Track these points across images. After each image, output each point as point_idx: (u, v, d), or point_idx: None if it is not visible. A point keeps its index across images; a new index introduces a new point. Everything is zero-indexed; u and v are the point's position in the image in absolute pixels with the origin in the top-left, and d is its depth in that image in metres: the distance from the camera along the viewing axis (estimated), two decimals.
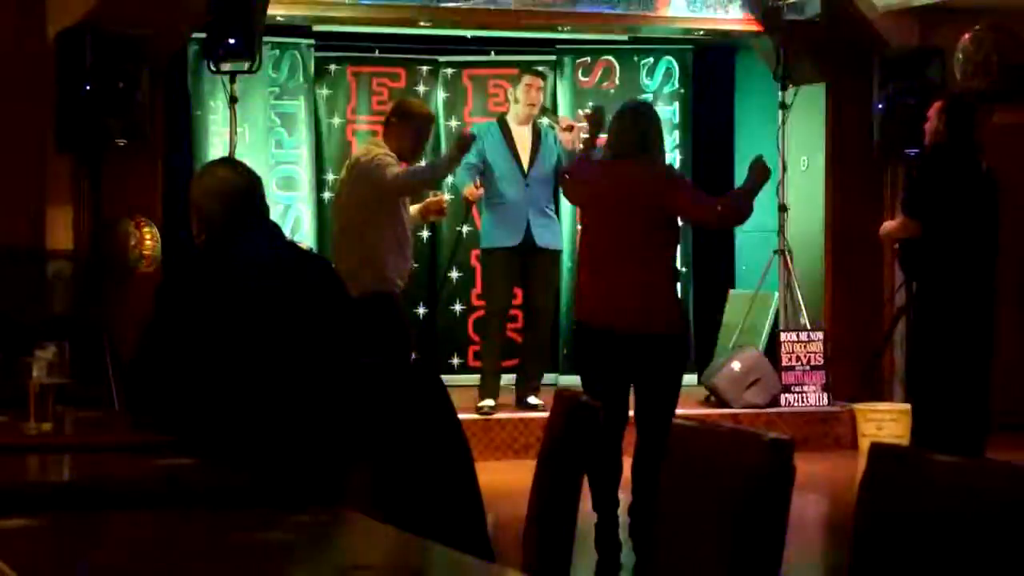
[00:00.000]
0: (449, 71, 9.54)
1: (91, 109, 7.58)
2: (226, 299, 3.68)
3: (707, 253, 9.72)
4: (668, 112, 9.57)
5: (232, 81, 8.22)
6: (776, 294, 9.08)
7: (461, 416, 3.83)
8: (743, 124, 10.01)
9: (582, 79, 9.64)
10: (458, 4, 8.85)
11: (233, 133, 8.33)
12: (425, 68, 9.49)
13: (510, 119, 8.47)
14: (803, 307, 8.89)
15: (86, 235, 7.84)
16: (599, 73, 9.64)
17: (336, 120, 9.38)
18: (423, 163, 6.83)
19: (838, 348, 8.84)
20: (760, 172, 5.83)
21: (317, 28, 9.21)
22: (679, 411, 5.75)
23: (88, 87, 7.58)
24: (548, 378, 8.80)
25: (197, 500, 3.03)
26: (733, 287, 9.80)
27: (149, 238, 7.82)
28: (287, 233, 8.42)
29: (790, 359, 8.73)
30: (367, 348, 3.99)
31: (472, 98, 9.54)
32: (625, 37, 9.63)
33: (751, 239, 9.58)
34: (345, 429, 3.63)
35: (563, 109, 9.47)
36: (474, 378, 8.54)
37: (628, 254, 5.70)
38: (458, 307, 9.47)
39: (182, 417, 3.63)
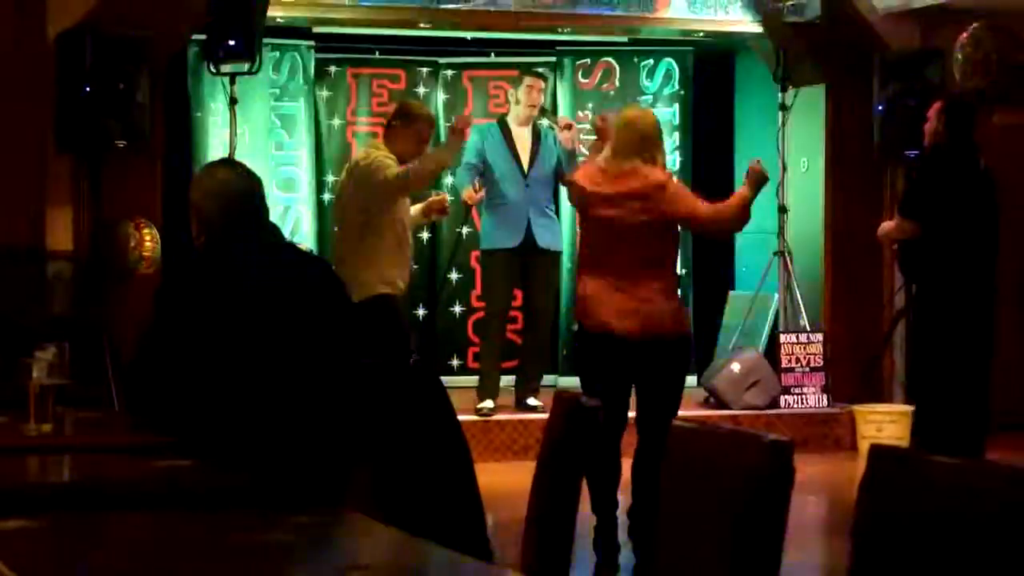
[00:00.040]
0: (449, 73, 9.54)
1: (91, 110, 7.58)
2: (225, 301, 3.68)
3: (707, 255, 9.72)
4: (668, 114, 9.57)
5: (232, 82, 8.22)
6: (776, 296, 9.08)
7: (460, 417, 3.82)
8: (743, 126, 10.01)
9: (582, 81, 9.64)
10: (458, 6, 8.85)
11: (233, 135, 8.33)
12: (425, 70, 9.49)
13: (510, 120, 8.47)
14: (803, 309, 8.89)
15: (86, 236, 7.84)
16: (599, 75, 9.64)
17: (336, 122, 9.38)
18: (415, 160, 6.80)
19: (838, 350, 8.85)
20: (757, 176, 5.84)
21: (317, 30, 9.21)
22: (679, 412, 5.76)
23: (88, 88, 7.58)
24: (547, 379, 8.80)
25: (197, 501, 3.03)
26: (733, 288, 9.80)
27: (149, 239, 7.82)
28: (287, 235, 8.45)
29: (790, 361, 8.73)
30: (367, 350, 3.99)
31: (472, 100, 9.54)
32: (625, 39, 9.63)
33: (751, 240, 9.57)
34: (345, 430, 3.63)
35: (563, 111, 9.47)
36: (474, 379, 8.54)
37: (629, 259, 5.71)
38: (458, 308, 9.47)
39: (181, 418, 3.63)
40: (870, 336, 8.81)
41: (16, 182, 7.70)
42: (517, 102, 8.44)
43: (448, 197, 7.54)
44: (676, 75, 9.69)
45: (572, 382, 7.24)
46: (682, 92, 9.69)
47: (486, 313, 8.67)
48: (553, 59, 9.63)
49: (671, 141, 9.48)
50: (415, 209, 7.22)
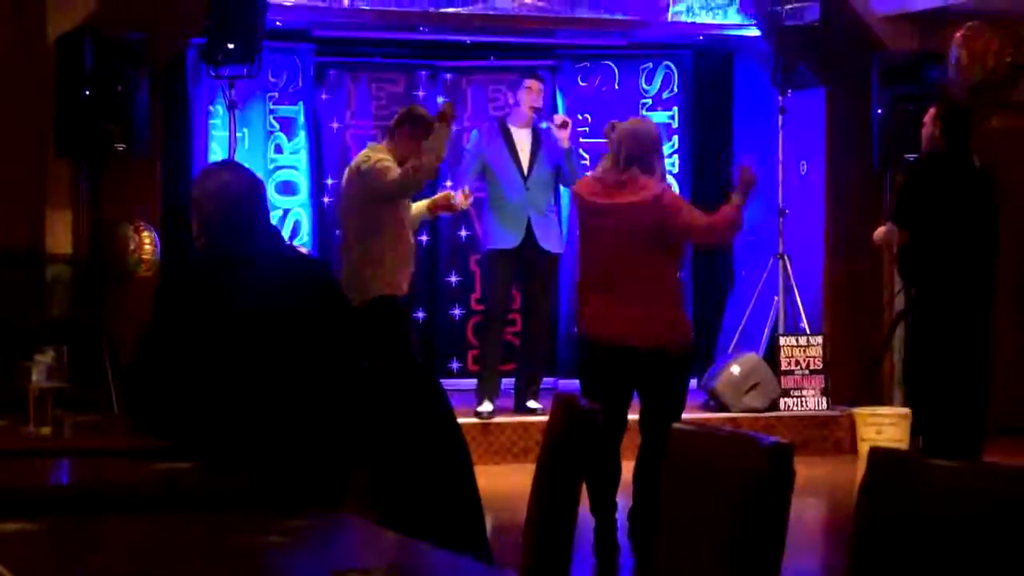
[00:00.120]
0: (448, 76, 9.54)
1: (90, 114, 7.58)
2: (224, 303, 3.68)
3: (706, 258, 9.72)
4: (667, 117, 9.58)
5: (231, 86, 8.22)
6: (775, 298, 9.08)
7: (460, 420, 3.83)
8: (742, 129, 10.01)
9: (581, 84, 9.65)
10: (458, 10, 8.85)
11: (232, 138, 8.34)
12: (424, 74, 9.49)
13: (510, 122, 8.48)
14: (802, 311, 8.89)
15: (85, 239, 7.84)
16: (598, 78, 9.64)
17: (335, 125, 9.38)
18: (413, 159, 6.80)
19: (837, 352, 8.84)
20: (747, 180, 5.83)
21: (316, 33, 9.21)
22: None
23: (88, 92, 7.58)
24: (547, 382, 8.79)
25: (196, 504, 3.03)
26: (732, 291, 9.80)
27: (148, 242, 7.82)
28: (286, 237, 8.46)
29: (789, 363, 8.72)
30: (368, 351, 3.99)
31: (471, 103, 9.54)
32: (624, 42, 9.63)
33: (750, 243, 9.57)
34: (344, 433, 3.63)
35: (562, 114, 9.46)
36: (473, 382, 8.54)
37: (629, 270, 5.71)
38: (457, 311, 9.47)
39: (180, 421, 3.62)
40: (870, 339, 8.80)
41: (15, 185, 7.70)
42: (516, 104, 8.46)
43: (453, 194, 7.52)
44: (675, 78, 9.69)
45: (572, 384, 7.24)
46: (681, 95, 9.69)
47: (485, 313, 8.66)
48: (553, 63, 9.63)
49: (669, 145, 9.48)
50: (420, 206, 7.21)
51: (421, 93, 9.40)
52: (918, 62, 8.64)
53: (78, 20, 7.75)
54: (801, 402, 8.73)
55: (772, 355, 8.79)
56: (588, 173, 7.38)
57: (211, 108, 8.89)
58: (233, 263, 3.76)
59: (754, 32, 9.11)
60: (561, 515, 3.12)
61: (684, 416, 6.01)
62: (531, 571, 3.15)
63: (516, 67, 9.25)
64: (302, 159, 9.22)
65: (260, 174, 4.27)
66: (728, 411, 8.53)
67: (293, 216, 9.18)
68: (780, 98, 8.92)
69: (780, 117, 8.96)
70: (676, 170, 9.55)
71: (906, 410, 8.22)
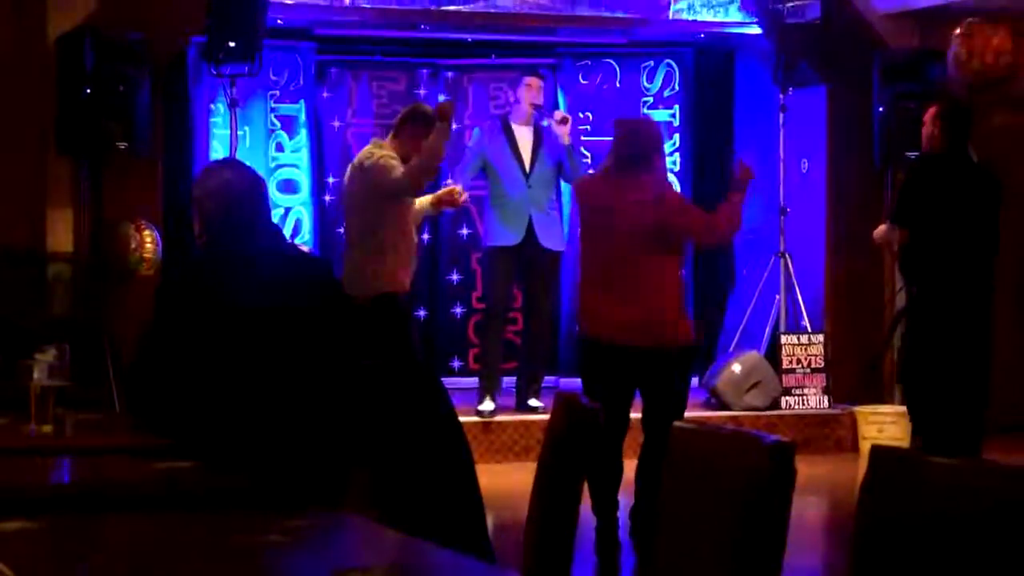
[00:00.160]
0: (450, 75, 9.54)
1: (91, 112, 7.58)
2: (226, 301, 3.68)
3: (707, 256, 9.72)
4: (668, 115, 9.57)
5: (232, 84, 8.22)
6: (777, 297, 9.08)
7: (461, 418, 3.83)
8: (743, 127, 10.00)
9: (582, 82, 9.64)
10: (459, 8, 8.85)
11: (233, 136, 8.34)
12: (426, 72, 9.49)
13: (512, 119, 8.48)
14: (803, 310, 8.89)
15: (86, 238, 7.84)
16: (599, 76, 9.64)
17: (336, 123, 9.37)
18: (415, 159, 6.78)
19: (838, 351, 8.84)
20: (745, 176, 5.82)
21: (318, 31, 9.20)
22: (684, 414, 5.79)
23: (88, 90, 7.58)
24: (548, 380, 8.79)
25: (197, 503, 3.03)
26: (733, 289, 9.80)
27: (149, 241, 7.82)
28: (287, 236, 8.45)
29: (791, 362, 8.72)
30: (370, 348, 3.99)
31: (473, 102, 9.53)
32: (625, 40, 9.63)
33: (751, 242, 9.57)
34: (344, 432, 3.63)
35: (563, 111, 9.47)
36: (474, 380, 8.54)
37: (630, 268, 5.71)
38: (458, 310, 9.47)
39: (181, 420, 3.62)
40: (871, 337, 8.80)
41: (16, 184, 7.70)
42: (517, 102, 8.47)
43: (457, 188, 7.51)
44: (676, 76, 9.69)
45: (573, 383, 7.24)
46: (682, 93, 9.69)
47: (486, 311, 8.66)
48: (554, 61, 9.63)
49: (671, 143, 9.48)
50: (424, 201, 7.21)
51: (422, 91, 9.40)
52: (919, 60, 8.64)
53: (78, 19, 7.75)
54: (802, 400, 8.73)
55: (773, 353, 8.79)
56: (590, 171, 7.39)
57: (212, 106, 8.89)
58: (234, 261, 3.76)
59: (755, 30, 9.11)
60: (562, 514, 3.12)
61: (685, 415, 6.01)
62: (532, 570, 3.15)
63: (517, 65, 9.25)
64: (303, 157, 9.22)
65: (261, 172, 4.26)
66: (729, 409, 8.52)
67: (294, 214, 9.18)
68: (781, 96, 8.92)
69: (781, 115, 8.96)
70: (677, 168, 9.55)
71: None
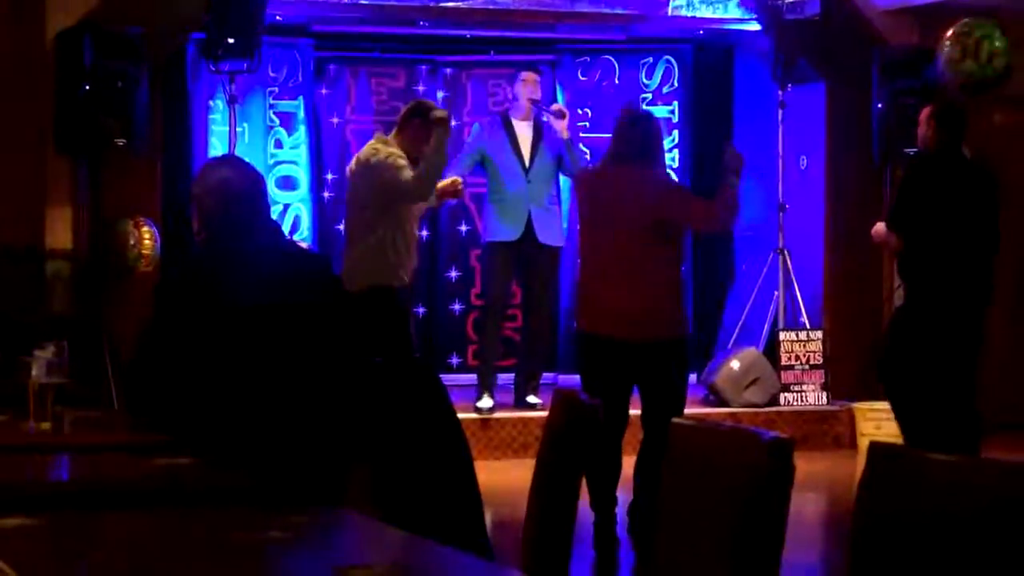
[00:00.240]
0: (449, 71, 9.54)
1: (90, 109, 7.58)
2: (225, 298, 3.68)
3: (706, 252, 9.72)
4: (667, 111, 9.57)
5: (231, 81, 8.22)
6: (775, 293, 9.08)
7: (460, 415, 3.83)
8: (742, 123, 10.01)
9: (581, 78, 9.64)
10: (458, 4, 8.85)
11: (232, 133, 8.34)
12: (425, 68, 9.49)
13: (512, 115, 8.48)
14: (802, 306, 8.89)
15: (85, 235, 7.84)
16: (599, 73, 9.64)
17: (335, 120, 9.37)
18: (421, 164, 6.75)
19: (837, 347, 8.84)
20: (735, 162, 5.81)
21: (316, 28, 9.20)
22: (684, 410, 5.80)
23: (87, 87, 7.58)
24: (547, 377, 8.79)
25: (196, 500, 3.03)
26: (732, 286, 9.81)
27: (148, 238, 7.82)
28: (286, 232, 8.45)
29: (789, 358, 8.73)
30: (369, 343, 3.99)
31: (472, 98, 9.53)
32: (624, 36, 9.63)
33: (750, 238, 9.58)
34: (344, 428, 3.63)
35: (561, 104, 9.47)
36: (473, 377, 8.54)
37: (628, 261, 5.71)
38: (457, 306, 9.47)
39: (181, 417, 3.63)
40: (870, 333, 8.81)
41: (15, 181, 7.69)
42: (515, 98, 8.47)
43: (460, 180, 7.50)
44: (675, 73, 9.69)
45: (572, 380, 7.24)
46: (681, 90, 9.69)
47: (485, 306, 8.66)
48: (553, 57, 9.63)
49: (670, 139, 9.48)
50: None
51: (421, 88, 9.40)
52: (918, 57, 8.64)
53: (77, 16, 7.75)
54: (801, 397, 8.73)
55: (772, 350, 8.79)
56: (590, 166, 7.39)
57: (211, 103, 8.89)
58: (234, 258, 3.76)
59: (754, 26, 9.11)
60: (561, 510, 3.12)
61: (684, 411, 6.01)
62: (531, 566, 3.15)
63: (516, 61, 9.24)
64: (302, 154, 9.22)
65: (260, 169, 4.26)
66: (728, 406, 8.53)
67: (293, 211, 9.18)
68: (780, 92, 8.92)
69: (780, 111, 8.96)
70: (676, 164, 9.55)
71: None
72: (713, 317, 9.54)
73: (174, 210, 8.21)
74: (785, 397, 8.70)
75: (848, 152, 9.03)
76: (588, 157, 8.98)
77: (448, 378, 6.43)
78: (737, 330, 9.13)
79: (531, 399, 8.37)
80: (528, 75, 8.45)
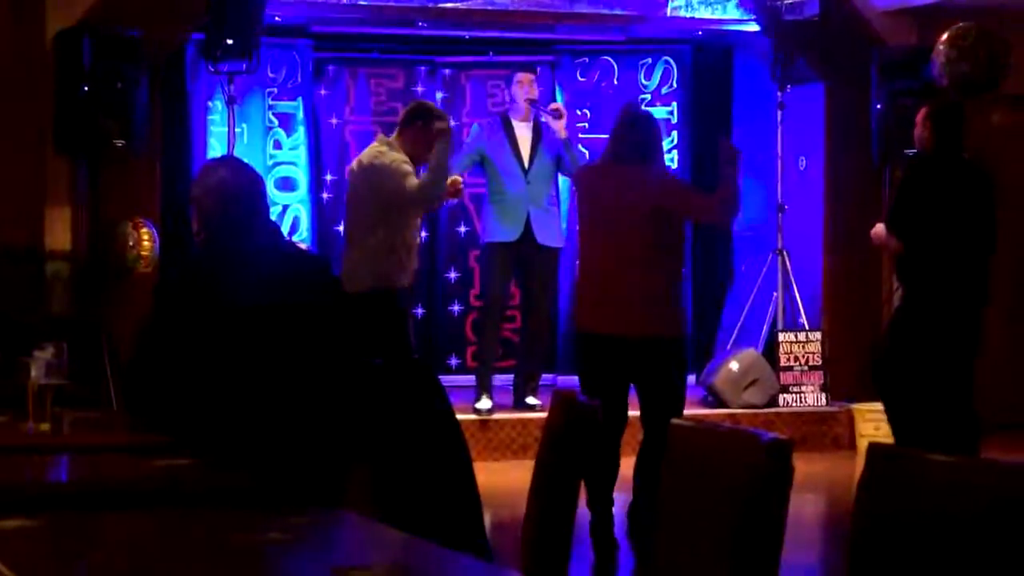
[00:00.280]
0: (447, 72, 9.54)
1: (89, 110, 7.58)
2: (224, 299, 3.68)
3: (705, 253, 9.73)
4: (666, 112, 9.58)
5: (230, 81, 8.22)
6: (774, 294, 9.08)
7: (459, 416, 3.83)
8: (741, 124, 10.01)
9: (580, 79, 9.65)
10: (456, 5, 8.85)
11: (231, 134, 8.34)
12: (423, 69, 9.49)
13: (512, 116, 8.48)
14: (801, 307, 8.89)
15: (84, 236, 7.84)
16: (597, 73, 9.64)
17: (334, 121, 9.37)
18: (425, 176, 6.71)
19: (836, 348, 8.84)
20: (730, 154, 5.81)
21: (315, 29, 9.21)
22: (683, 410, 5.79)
23: (86, 88, 7.58)
24: (546, 378, 8.79)
25: (196, 501, 3.03)
26: (731, 287, 9.81)
27: (147, 239, 7.82)
28: (285, 233, 8.45)
29: (788, 359, 8.73)
30: (368, 344, 3.99)
31: (471, 99, 9.54)
32: (623, 38, 9.63)
33: (749, 239, 9.58)
34: (343, 429, 3.63)
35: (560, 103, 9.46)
36: (472, 378, 8.54)
37: (627, 258, 5.71)
38: (456, 307, 9.47)
39: (180, 417, 3.63)
40: (869, 335, 8.81)
41: (14, 182, 7.69)
42: (513, 100, 8.47)
43: (460, 178, 7.49)
44: (674, 74, 9.69)
45: (572, 381, 7.24)
46: (680, 90, 9.69)
47: (483, 306, 8.66)
48: (551, 58, 9.63)
49: (669, 140, 9.48)
50: None
51: (420, 88, 9.40)
52: (917, 57, 8.64)
53: (76, 16, 7.75)
54: (800, 398, 8.73)
55: (771, 351, 8.79)
56: (589, 162, 7.37)
57: (210, 104, 8.89)
58: (233, 259, 3.76)
59: (753, 27, 9.11)
60: (560, 512, 3.12)
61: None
62: (530, 568, 3.16)
63: (515, 62, 9.24)
64: (301, 155, 9.22)
65: (259, 170, 4.26)
66: (727, 407, 8.53)
67: (292, 212, 9.18)
68: (779, 93, 8.92)
69: (779, 112, 8.96)
70: (675, 166, 9.55)
71: None
72: (712, 318, 9.54)
73: (173, 211, 8.21)
74: (784, 398, 8.70)
75: (847, 153, 9.03)
76: (587, 157, 8.98)
77: (447, 379, 6.40)
78: (736, 331, 9.13)
79: (530, 400, 8.36)
80: (523, 76, 8.45)
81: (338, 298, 3.88)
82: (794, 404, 8.71)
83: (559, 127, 8.17)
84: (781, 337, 8.77)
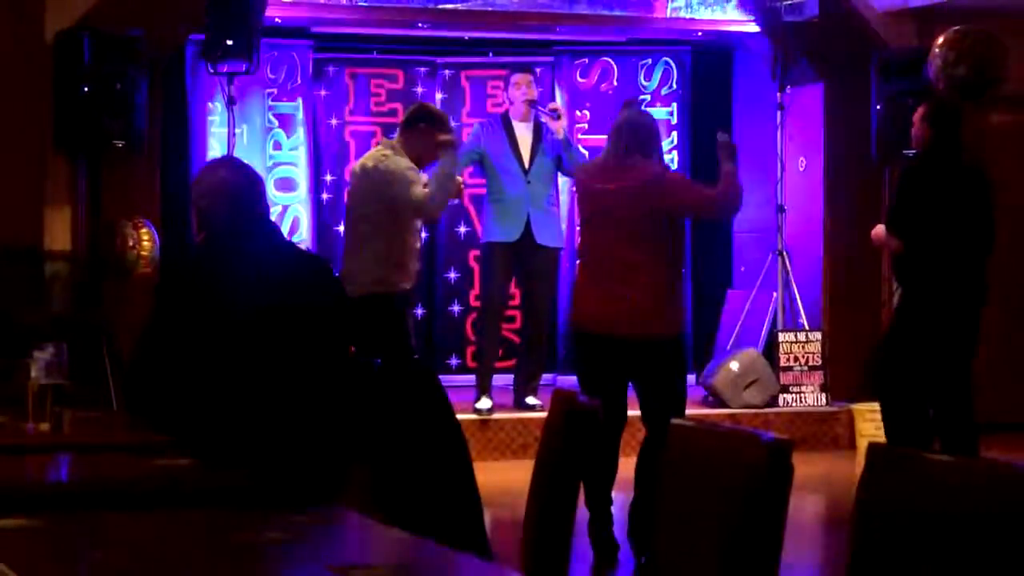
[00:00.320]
0: (447, 72, 9.55)
1: (89, 110, 7.58)
2: (224, 299, 3.68)
3: (705, 253, 9.73)
4: (666, 113, 9.58)
5: (230, 82, 8.22)
6: (774, 294, 9.09)
7: (459, 416, 3.83)
8: (741, 125, 10.02)
9: (580, 80, 9.65)
10: (456, 5, 8.85)
11: (231, 134, 8.34)
12: (423, 70, 9.49)
13: (512, 116, 8.48)
14: (801, 307, 8.89)
15: (84, 236, 7.84)
16: (597, 74, 9.65)
17: (334, 121, 9.38)
18: (431, 187, 6.68)
19: (836, 348, 8.85)
20: (728, 149, 5.81)
21: (315, 29, 9.21)
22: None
23: (86, 88, 7.58)
24: (546, 378, 8.80)
25: (195, 500, 3.04)
26: (731, 287, 9.81)
27: (147, 239, 7.83)
28: (285, 234, 8.45)
29: (788, 359, 8.73)
30: (368, 346, 3.99)
31: (470, 99, 9.54)
32: (623, 38, 9.64)
33: (749, 239, 9.58)
34: (343, 429, 3.63)
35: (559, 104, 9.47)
36: (472, 378, 8.54)
37: (627, 257, 5.71)
38: (456, 308, 9.47)
39: (180, 417, 3.63)
40: (869, 335, 8.81)
41: (14, 182, 7.70)
42: (511, 102, 8.47)
43: (460, 179, 7.49)
44: (674, 74, 9.69)
45: (571, 381, 7.24)
46: (680, 91, 9.70)
47: (483, 307, 8.66)
48: (551, 59, 9.64)
49: (668, 140, 9.49)
50: None
51: (420, 89, 9.41)
52: (917, 58, 8.63)
53: (77, 17, 7.75)
54: (800, 398, 8.74)
55: (771, 351, 8.80)
56: (589, 160, 7.36)
57: (210, 104, 8.90)
58: (232, 259, 3.76)
59: (753, 28, 9.12)
60: (560, 512, 3.12)
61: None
62: (530, 567, 3.16)
63: (515, 63, 9.24)
64: (301, 155, 9.22)
65: (259, 170, 4.27)
66: (727, 407, 8.53)
67: (292, 212, 9.18)
68: (779, 94, 8.93)
69: (779, 113, 8.96)
70: (675, 166, 9.55)
71: None
72: (712, 318, 9.54)
73: (173, 211, 8.22)
74: (784, 398, 8.70)
75: (847, 153, 9.04)
76: (587, 158, 8.98)
77: (447, 379, 6.41)
78: (736, 331, 9.14)
79: (530, 400, 8.36)
80: (519, 77, 8.42)
81: (338, 299, 3.88)
82: (794, 404, 8.72)
83: (558, 127, 8.17)
84: (781, 337, 8.77)
